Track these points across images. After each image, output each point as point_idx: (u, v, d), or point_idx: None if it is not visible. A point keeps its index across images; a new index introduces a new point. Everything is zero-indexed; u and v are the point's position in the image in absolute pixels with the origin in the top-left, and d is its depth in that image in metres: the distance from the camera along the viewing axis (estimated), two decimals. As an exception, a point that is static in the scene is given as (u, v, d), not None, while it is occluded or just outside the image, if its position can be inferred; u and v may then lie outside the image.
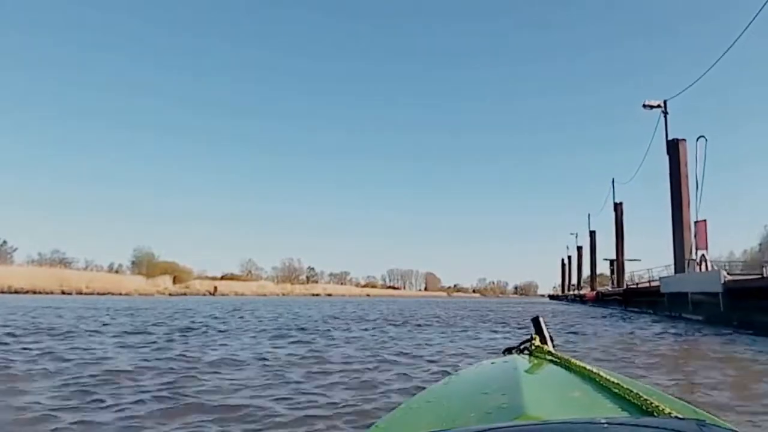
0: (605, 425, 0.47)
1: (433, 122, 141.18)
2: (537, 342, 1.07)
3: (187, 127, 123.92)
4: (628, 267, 38.00)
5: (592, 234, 39.75)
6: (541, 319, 1.14)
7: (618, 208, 30.45)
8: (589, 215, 40.49)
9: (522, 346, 1.10)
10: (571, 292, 48.56)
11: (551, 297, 72.15)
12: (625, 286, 24.22)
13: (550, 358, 0.96)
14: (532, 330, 1.14)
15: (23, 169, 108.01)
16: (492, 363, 1.06)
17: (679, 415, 0.58)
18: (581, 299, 37.43)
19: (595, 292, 31.43)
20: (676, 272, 17.54)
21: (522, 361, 0.99)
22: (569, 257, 57.40)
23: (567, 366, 0.86)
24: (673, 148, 19.09)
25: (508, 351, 1.14)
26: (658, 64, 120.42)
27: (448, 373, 1.26)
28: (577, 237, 49.17)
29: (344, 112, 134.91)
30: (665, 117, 19.87)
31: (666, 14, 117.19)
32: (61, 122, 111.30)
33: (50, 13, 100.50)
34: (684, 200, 18.47)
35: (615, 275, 38.03)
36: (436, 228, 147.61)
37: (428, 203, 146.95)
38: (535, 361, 0.97)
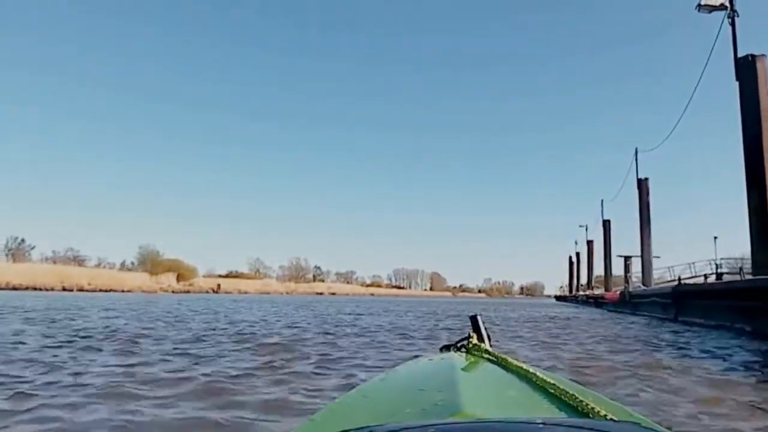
0: (541, 425, 0.44)
1: (439, 123, 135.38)
2: (474, 340, 1.00)
3: (197, 128, 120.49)
4: (639, 265, 30.14)
5: (606, 224, 31.74)
6: (479, 317, 1.08)
7: (643, 185, 22.83)
8: (602, 201, 32.59)
9: (459, 344, 1.03)
10: (582, 293, 39.92)
11: (557, 298, 63.72)
12: (677, 281, 15.16)
13: (487, 356, 0.90)
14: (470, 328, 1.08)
15: (43, 171, 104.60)
16: (429, 360, 1.02)
17: (615, 418, 0.56)
18: (596, 301, 28.83)
19: (619, 292, 21.83)
20: (755, 263, 10.61)
21: (459, 358, 0.94)
22: (577, 254, 49.30)
23: (504, 365, 0.81)
24: (747, 68, 11.62)
25: (446, 348, 1.07)
26: (662, 64, 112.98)
27: (385, 370, 1.15)
28: (587, 230, 41.25)
29: (351, 112, 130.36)
30: (732, 24, 12.33)
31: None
32: (79, 124, 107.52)
33: (57, 15, 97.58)
34: (765, 145, 10.95)
35: (629, 273, 30.62)
36: (442, 228, 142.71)
37: (434, 203, 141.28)
38: (472, 359, 0.92)
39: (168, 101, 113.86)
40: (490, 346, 1.00)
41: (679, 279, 14.13)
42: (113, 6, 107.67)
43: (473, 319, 1.08)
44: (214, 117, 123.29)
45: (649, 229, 23.46)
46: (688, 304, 12.22)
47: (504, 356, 0.84)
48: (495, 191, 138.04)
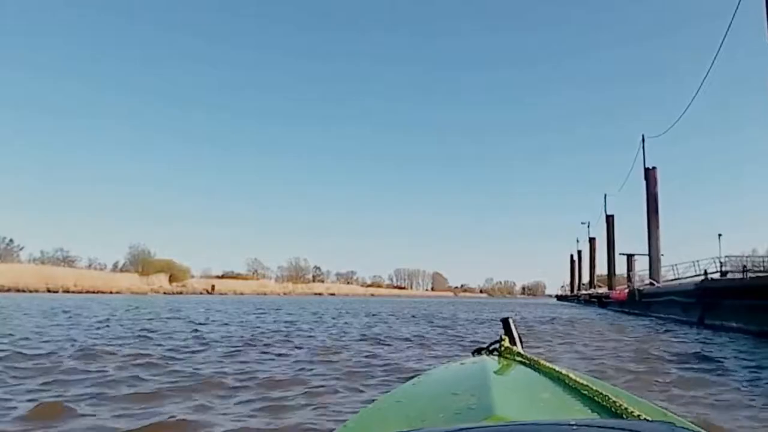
0: (574, 427, 0.44)
1: (440, 123, 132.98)
2: (506, 343, 0.98)
3: (195, 129, 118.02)
4: (643, 263, 27.60)
5: (610, 219, 28.98)
6: (510, 320, 1.06)
7: (650, 175, 20.05)
8: (605, 195, 29.78)
9: (491, 347, 1.01)
10: (584, 292, 37.01)
11: (559, 298, 60.87)
12: (702, 274, 12.21)
13: (519, 359, 0.89)
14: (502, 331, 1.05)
15: (33, 170, 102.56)
16: (461, 364, 1.00)
17: (649, 418, 0.55)
18: (600, 300, 25.81)
19: (627, 291, 18.88)
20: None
21: (491, 361, 0.92)
22: (579, 252, 46.45)
23: (536, 367, 0.81)
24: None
25: (478, 352, 1.06)
26: (662, 68, 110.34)
27: (418, 374, 1.13)
28: (589, 227, 38.43)
29: (351, 113, 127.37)
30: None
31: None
32: (72, 122, 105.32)
33: (56, 14, 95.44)
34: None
35: (632, 271, 28.11)
36: (443, 228, 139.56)
37: (436, 203, 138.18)
38: (505, 362, 0.91)
39: (165, 100, 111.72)
40: (522, 348, 0.98)
41: (706, 273, 11.22)
42: (109, 4, 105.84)
43: (505, 322, 1.06)
44: (215, 117, 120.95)
45: (657, 222, 20.72)
46: (718, 305, 9.36)
47: (536, 359, 0.83)
48: (497, 191, 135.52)
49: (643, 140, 20.62)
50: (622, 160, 73.50)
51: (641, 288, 17.24)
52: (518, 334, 1.03)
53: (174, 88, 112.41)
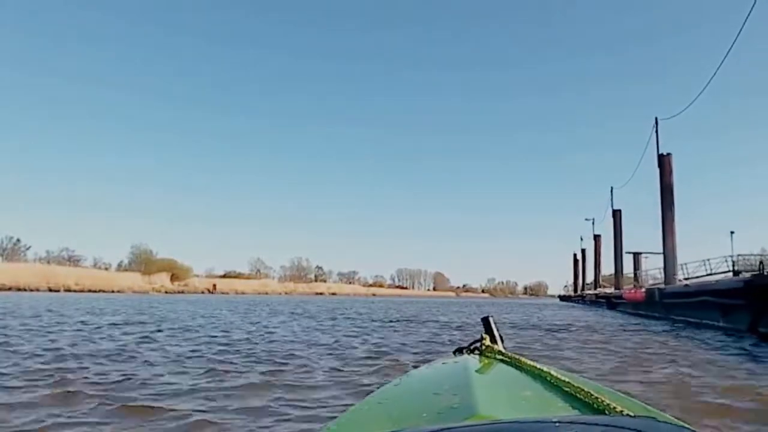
0: (556, 424, 0.43)
1: (443, 122, 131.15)
2: (487, 342, 0.98)
3: (196, 129, 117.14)
4: (650, 263, 25.92)
5: (617, 214, 26.95)
6: (491, 319, 1.05)
7: (665, 161, 18.02)
8: (612, 189, 27.70)
9: (472, 346, 1.00)
10: (590, 292, 35.00)
11: (561, 298, 58.89)
12: (756, 269, 10.27)
13: (500, 357, 0.89)
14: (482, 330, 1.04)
15: (41, 170, 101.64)
16: (443, 363, 0.99)
17: (631, 413, 0.55)
18: (609, 301, 23.58)
19: (644, 290, 16.46)
20: None
21: (473, 361, 0.91)
22: (583, 251, 44.38)
23: (518, 365, 0.81)
24: None
25: (459, 351, 1.04)
26: (663, 68, 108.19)
27: (400, 374, 1.12)
28: (593, 224, 36.40)
29: (353, 112, 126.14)
30: None
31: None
32: (73, 123, 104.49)
33: (56, 15, 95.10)
34: None
35: (639, 270, 26.40)
36: (445, 228, 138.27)
37: (438, 203, 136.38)
38: (486, 361, 0.91)
39: (165, 101, 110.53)
40: (503, 347, 0.97)
41: (762, 267, 9.17)
42: (109, 4, 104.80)
43: (485, 321, 1.04)
44: (217, 117, 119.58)
45: (673, 215, 18.70)
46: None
47: (518, 357, 0.83)
48: (499, 191, 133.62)
49: (656, 123, 18.60)
50: (623, 161, 71.61)
51: (662, 287, 15.11)
52: (499, 333, 1.01)
53: (175, 87, 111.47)
